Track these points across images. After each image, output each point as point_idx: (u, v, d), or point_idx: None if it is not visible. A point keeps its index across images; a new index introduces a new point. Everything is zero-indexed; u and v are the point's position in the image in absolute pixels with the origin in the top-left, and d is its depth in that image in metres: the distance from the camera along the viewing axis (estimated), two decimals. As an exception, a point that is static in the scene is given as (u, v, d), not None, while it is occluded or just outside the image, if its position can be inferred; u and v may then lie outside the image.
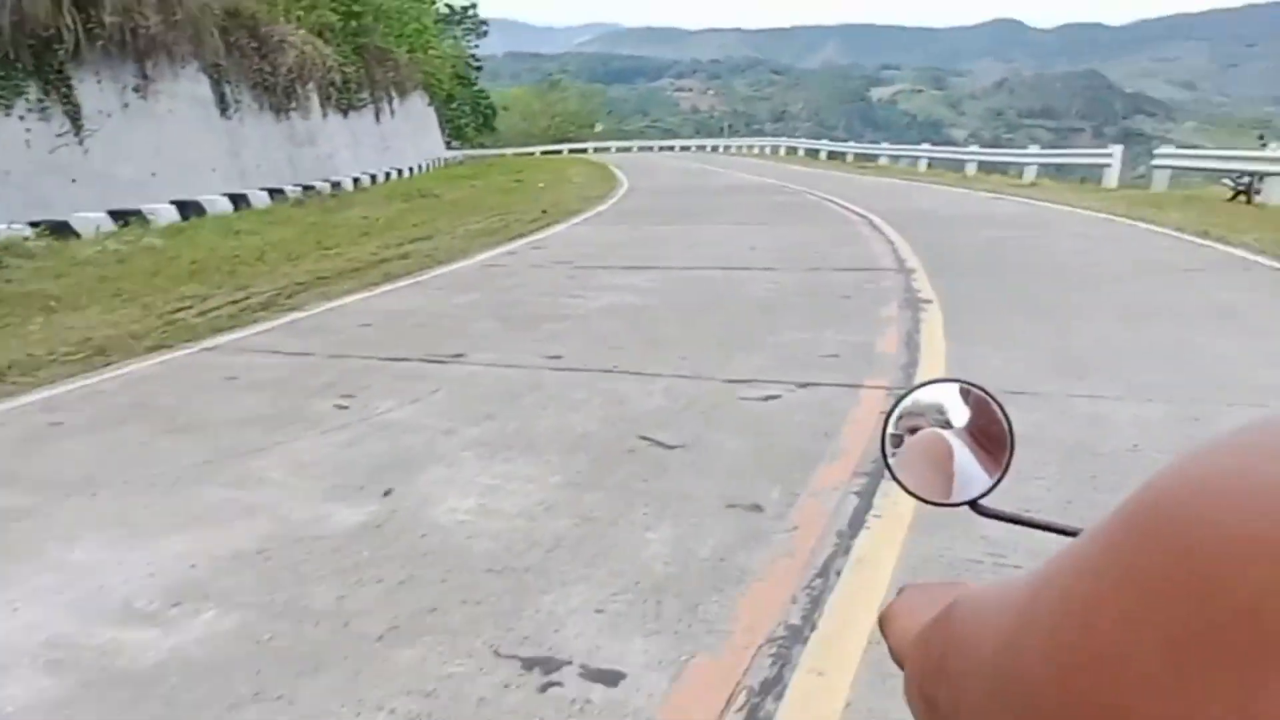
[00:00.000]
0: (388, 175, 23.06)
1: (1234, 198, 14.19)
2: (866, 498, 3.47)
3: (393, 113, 31.94)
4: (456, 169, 30.45)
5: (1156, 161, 16.51)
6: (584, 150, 56.25)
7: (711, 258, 9.63)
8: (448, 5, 64.93)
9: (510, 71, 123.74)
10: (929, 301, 7.01)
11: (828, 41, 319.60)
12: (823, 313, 6.74)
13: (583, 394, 4.89)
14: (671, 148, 57.25)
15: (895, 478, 0.74)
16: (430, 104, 42.81)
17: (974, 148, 27.12)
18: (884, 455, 0.76)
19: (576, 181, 23.42)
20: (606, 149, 57.91)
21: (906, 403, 0.76)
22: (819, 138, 47.49)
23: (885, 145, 32.82)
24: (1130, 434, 3.99)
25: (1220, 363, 5.11)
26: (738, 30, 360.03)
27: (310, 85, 22.87)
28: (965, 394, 0.74)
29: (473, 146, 60.97)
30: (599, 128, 75.57)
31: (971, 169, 24.23)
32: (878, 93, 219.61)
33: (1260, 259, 8.55)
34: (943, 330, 6.08)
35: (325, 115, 23.82)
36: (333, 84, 24.23)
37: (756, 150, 46.35)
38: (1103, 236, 10.71)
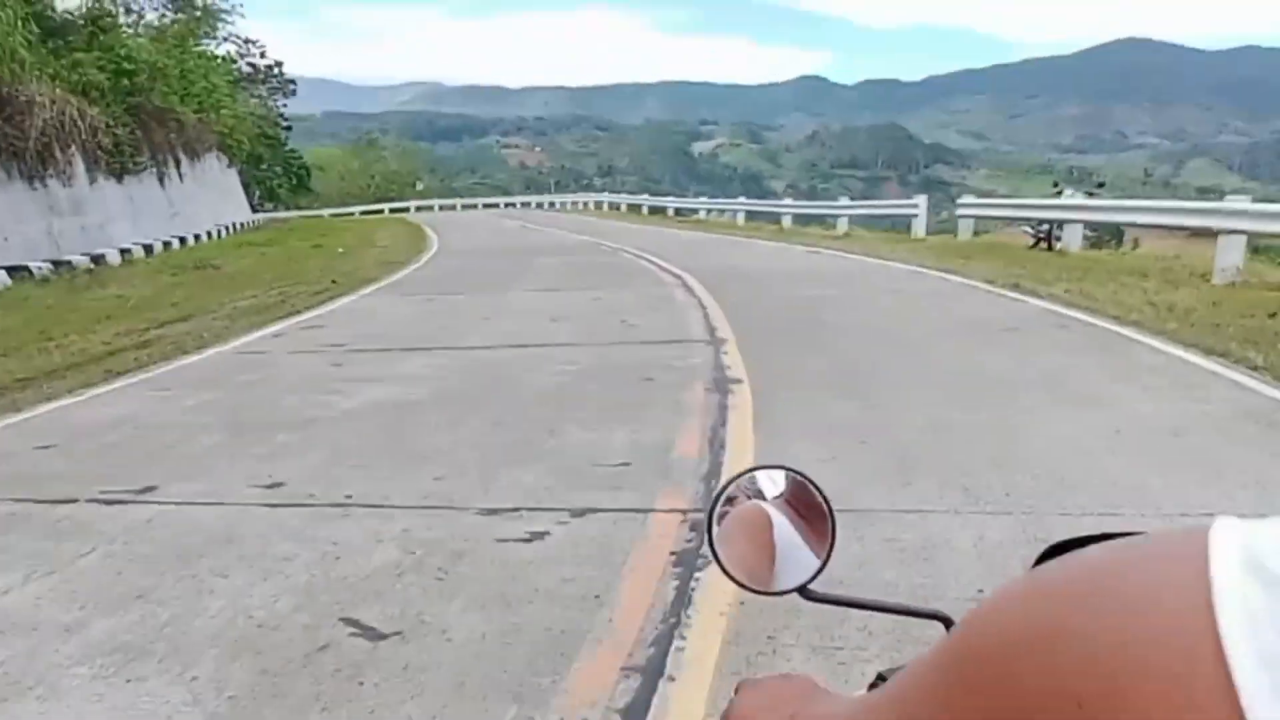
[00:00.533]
0: (166, 245, 20.85)
1: (1035, 245, 14.45)
2: (640, 712, 2.46)
3: (182, 177, 29.48)
4: (255, 234, 28.29)
5: (961, 211, 16.80)
6: (406, 209, 54.75)
7: (507, 333, 8.59)
8: (250, 64, 62.19)
9: (329, 130, 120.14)
10: (739, 381, 6.19)
11: (648, 98, 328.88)
12: (619, 402, 5.79)
13: (290, 547, 3.69)
14: (497, 205, 56.38)
15: (723, 569, 0.74)
16: (231, 166, 40.25)
17: (788, 200, 27.51)
18: (712, 549, 0.75)
19: (383, 244, 21.98)
20: (429, 207, 56.63)
21: (728, 490, 0.78)
22: (645, 190, 47.70)
23: (704, 199, 33.05)
24: (972, 570, 3.17)
25: (1059, 449, 4.46)
26: (561, 88, 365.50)
27: (73, 149, 20.52)
28: (784, 478, 0.77)
29: (288, 208, 58.11)
30: (420, 186, 73.78)
31: (788, 221, 24.40)
32: (699, 147, 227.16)
33: (1073, 313, 8.29)
34: (752, 420, 5.24)
35: (94, 181, 21.43)
36: (101, 147, 21.89)
37: (582, 206, 46.07)
38: (918, 291, 10.37)
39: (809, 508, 0.74)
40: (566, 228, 27.20)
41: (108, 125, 22.22)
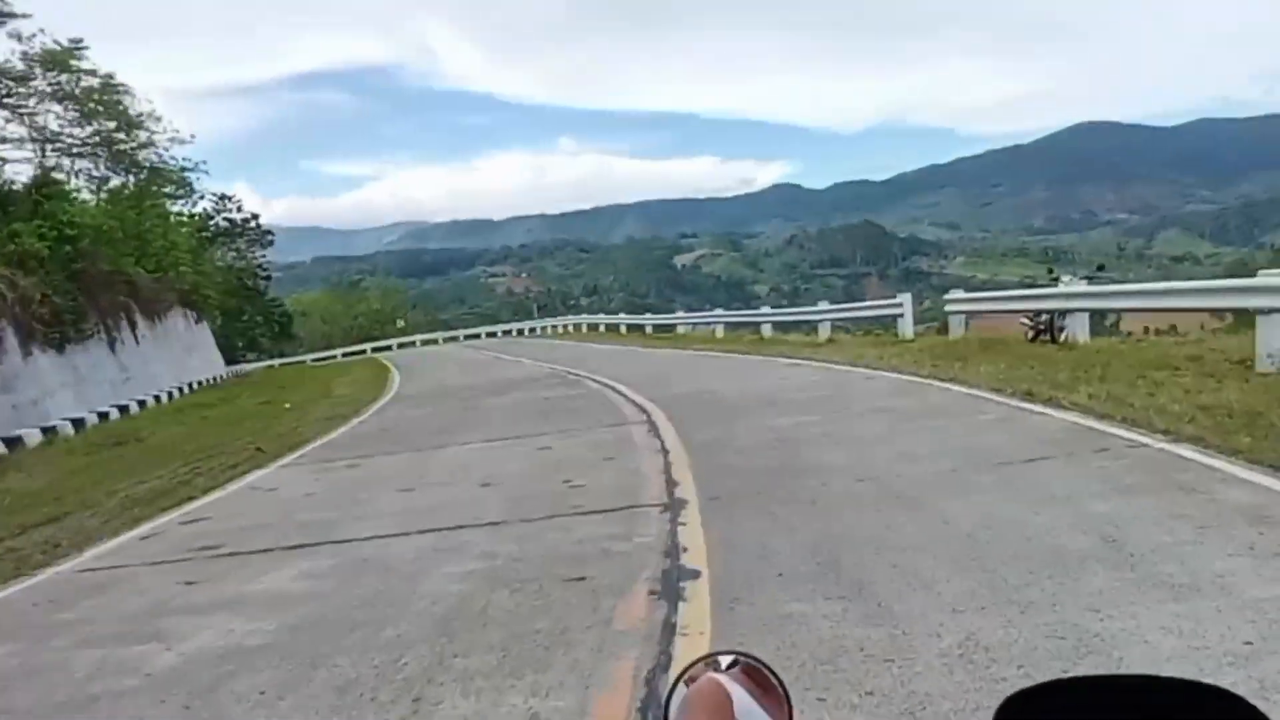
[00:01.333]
0: (103, 417, 19.31)
1: (1035, 338, 13.05)
2: None
3: (138, 339, 28.27)
4: (212, 393, 26.87)
5: (951, 308, 15.45)
6: (388, 347, 54.10)
7: (422, 511, 7.00)
8: (227, 219, 62.34)
9: (320, 276, 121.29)
10: (696, 575, 4.60)
11: (627, 218, 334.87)
12: (529, 631, 4.17)
13: None
14: (478, 335, 55.54)
15: None
16: (200, 321, 39.27)
17: (766, 309, 26.29)
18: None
19: (340, 393, 20.53)
20: (412, 343, 55.93)
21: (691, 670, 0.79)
22: (631, 306, 47.02)
23: (681, 314, 31.99)
24: None
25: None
26: (541, 216, 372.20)
27: (4, 323, 19.26)
28: (744, 663, 0.78)
29: (272, 357, 57.16)
30: (401, 324, 73.18)
31: (768, 329, 23.13)
32: (681, 259, 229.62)
33: (1111, 429, 6.75)
34: (709, 648, 3.61)
35: (29, 354, 20.09)
36: (37, 318, 20.66)
37: (563, 329, 45.01)
38: (915, 410, 8.85)
39: (766, 689, 0.74)
40: (538, 355, 25.87)
41: (45, 295, 21.09)
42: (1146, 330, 21.65)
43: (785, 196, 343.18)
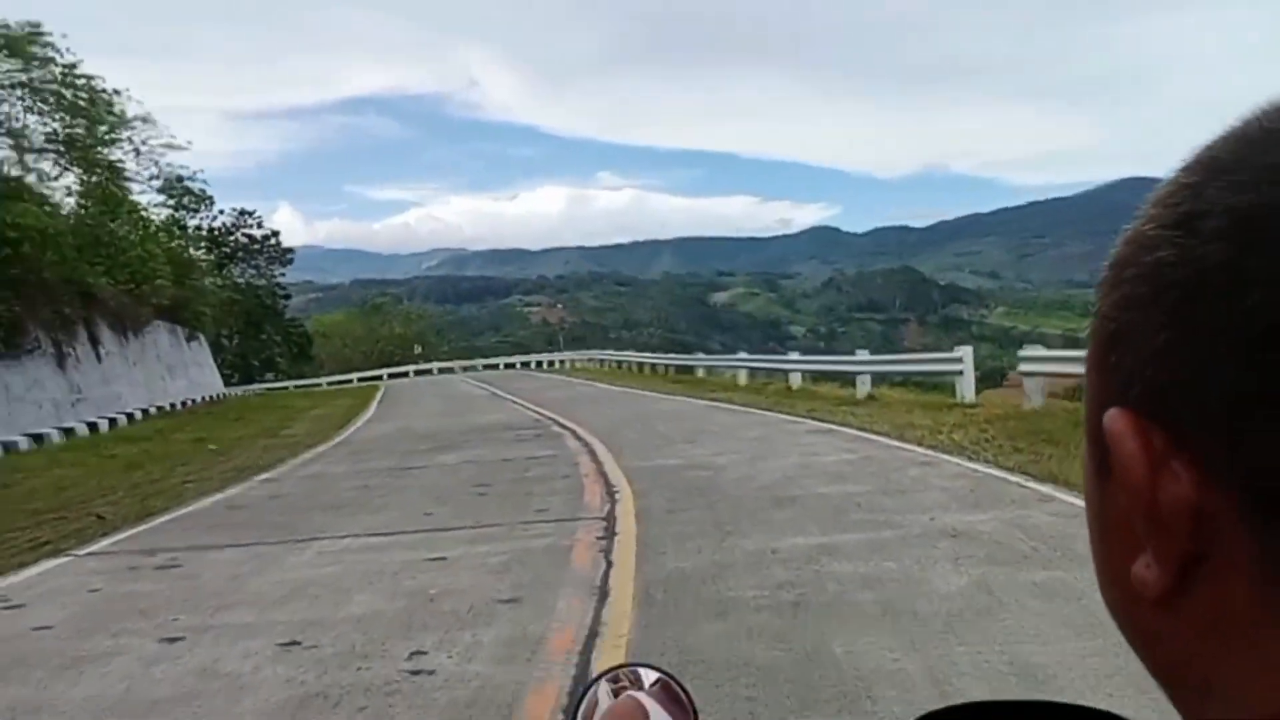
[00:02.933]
0: (5, 448, 16.44)
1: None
2: None
3: (100, 355, 25.58)
4: (168, 419, 24.02)
5: (1026, 367, 12.06)
6: (405, 374, 51.73)
7: (138, 708, 3.89)
8: (247, 235, 60.62)
9: (359, 298, 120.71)
10: None
11: (663, 253, 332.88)
12: None
13: None
14: (496, 365, 53.08)
15: None
16: (193, 339, 36.76)
17: (795, 355, 23.03)
18: None
19: (286, 432, 17.56)
20: (429, 371, 53.82)
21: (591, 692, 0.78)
22: (667, 342, 44.07)
23: (701, 356, 28.86)
24: None
25: None
26: (579, 248, 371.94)
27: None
28: (646, 677, 0.78)
29: (289, 377, 54.96)
30: (418, 350, 71.02)
31: (797, 379, 19.90)
32: (717, 297, 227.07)
33: None
34: None
35: (-64, 369, 17.37)
36: (-46, 330, 17.99)
37: (583, 364, 42.03)
38: (1012, 544, 5.58)
39: (675, 704, 0.74)
40: (535, 396, 22.78)
41: (-33, 304, 18.49)
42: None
43: (823, 238, 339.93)
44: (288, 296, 66.98)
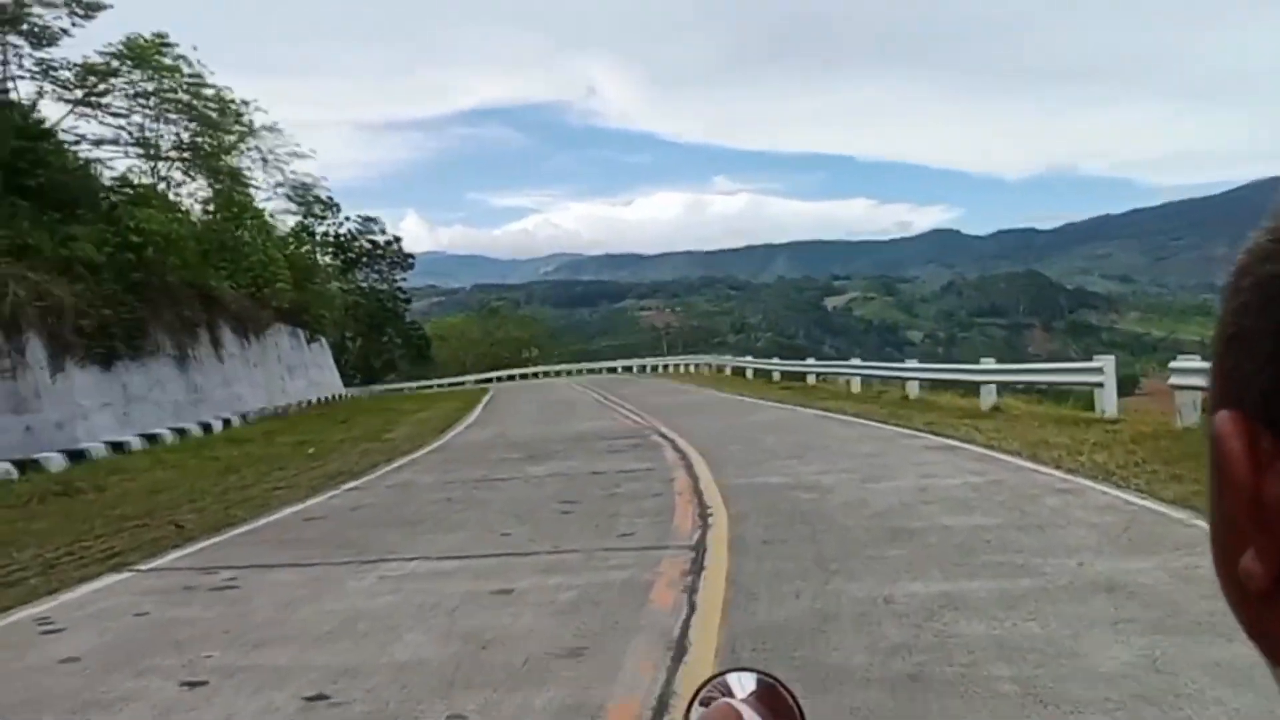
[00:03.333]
0: (118, 447, 16.74)
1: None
2: None
3: (222, 357, 26.30)
4: (279, 420, 24.42)
5: (1179, 380, 10.66)
6: (513, 377, 52.76)
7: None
8: (370, 240, 62.38)
9: (479, 302, 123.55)
10: None
11: (778, 257, 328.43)
12: None
13: None
14: (598, 370, 53.14)
15: None
16: (314, 341, 37.77)
17: (913, 363, 21.69)
18: None
19: (388, 436, 17.41)
20: (535, 374, 54.38)
21: (702, 693, 0.77)
22: (779, 346, 43.08)
23: (812, 362, 27.68)
24: None
25: None
26: (691, 253, 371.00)
27: (28, 335, 17.14)
28: (758, 681, 0.77)
29: (409, 379, 56.50)
30: (533, 353, 71.97)
31: (914, 388, 18.67)
32: (831, 301, 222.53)
33: None
34: None
35: (60, 371, 17.94)
36: (79, 331, 18.55)
37: (693, 369, 41.35)
38: (1186, 607, 4.54)
39: (780, 709, 0.73)
40: (638, 401, 22.17)
41: (91, 306, 19.05)
42: None
43: (943, 242, 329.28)
44: (409, 300, 68.77)
